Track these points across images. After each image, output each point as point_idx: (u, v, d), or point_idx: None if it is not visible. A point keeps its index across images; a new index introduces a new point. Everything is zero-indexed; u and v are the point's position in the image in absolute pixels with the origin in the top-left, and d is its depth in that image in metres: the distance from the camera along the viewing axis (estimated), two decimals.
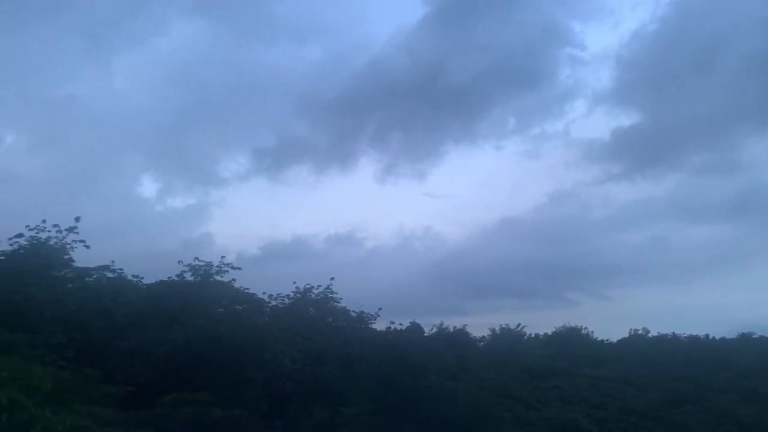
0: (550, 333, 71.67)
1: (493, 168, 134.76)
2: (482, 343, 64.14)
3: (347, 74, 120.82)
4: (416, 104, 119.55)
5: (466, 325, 54.71)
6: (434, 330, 52.97)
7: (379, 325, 42.63)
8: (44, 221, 33.72)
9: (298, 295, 41.76)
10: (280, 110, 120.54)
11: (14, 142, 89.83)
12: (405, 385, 35.44)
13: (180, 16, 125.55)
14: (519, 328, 68.94)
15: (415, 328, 45.15)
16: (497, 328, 68.27)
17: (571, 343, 68.01)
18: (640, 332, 74.96)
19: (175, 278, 36.63)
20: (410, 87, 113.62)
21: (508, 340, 66.36)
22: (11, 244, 33.19)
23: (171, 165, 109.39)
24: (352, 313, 42.47)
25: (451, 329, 53.36)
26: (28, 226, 33.41)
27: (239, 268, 38.85)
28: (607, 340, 74.94)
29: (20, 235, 33.19)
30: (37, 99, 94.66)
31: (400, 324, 42.56)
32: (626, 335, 75.80)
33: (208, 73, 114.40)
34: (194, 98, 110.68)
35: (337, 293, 42.07)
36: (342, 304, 42.46)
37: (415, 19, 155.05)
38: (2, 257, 33.31)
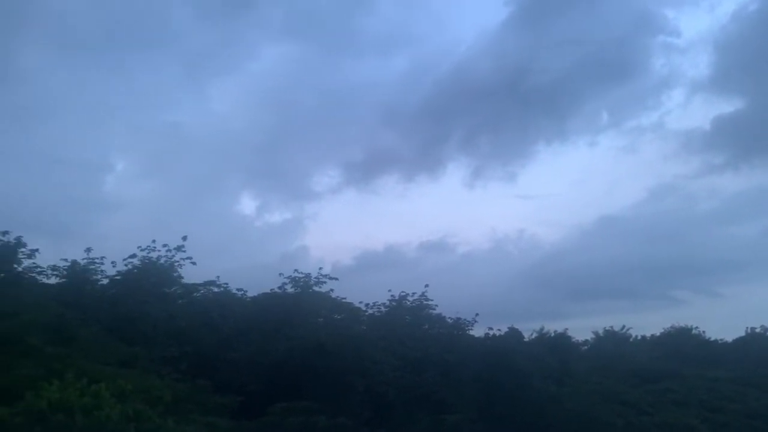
0: (657, 334, 68.33)
1: (588, 165, 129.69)
2: (585, 347, 61.98)
3: (432, 82, 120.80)
4: (504, 106, 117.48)
5: (567, 329, 52.86)
6: (534, 335, 51.73)
7: (477, 332, 42.24)
8: (154, 241, 35.94)
9: (393, 303, 42.06)
10: (368, 123, 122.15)
11: (125, 169, 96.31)
12: (507, 391, 34.86)
13: (270, 41, 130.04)
14: (624, 330, 66.25)
15: (514, 333, 44.32)
16: (601, 331, 65.88)
17: (681, 343, 64.53)
18: (758, 330, 69.90)
19: (277, 290, 37.90)
20: (497, 89, 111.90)
21: (612, 343, 63.88)
22: (126, 264, 35.52)
23: (268, 182, 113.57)
24: (449, 320, 42.29)
25: (552, 334, 51.86)
26: (140, 246, 35.69)
27: (336, 279, 39.78)
28: (721, 339, 70.38)
29: (134, 256, 35.45)
30: (144, 128, 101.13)
31: (499, 330, 41.98)
32: (742, 334, 70.84)
33: (298, 92, 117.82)
34: (287, 117, 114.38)
35: (432, 300, 42.11)
36: (437, 310, 42.46)
37: (498, 20, 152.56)
38: (119, 277, 35.68)
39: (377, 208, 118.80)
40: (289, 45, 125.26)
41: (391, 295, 42.05)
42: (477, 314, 42.04)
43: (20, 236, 37.17)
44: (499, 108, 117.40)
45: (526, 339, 48.08)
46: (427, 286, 42.06)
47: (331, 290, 39.09)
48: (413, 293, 41.92)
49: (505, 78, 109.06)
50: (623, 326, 65.96)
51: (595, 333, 65.57)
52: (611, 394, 41.30)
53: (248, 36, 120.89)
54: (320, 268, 39.43)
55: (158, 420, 16.84)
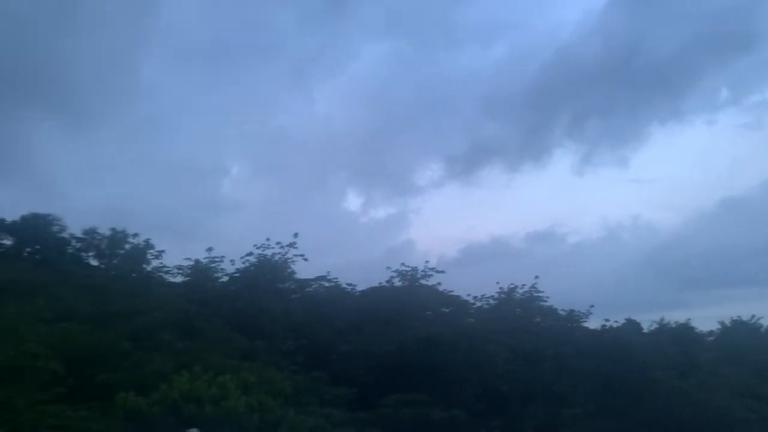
0: None
1: (707, 145, 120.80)
2: (711, 338, 58.13)
3: (535, 67, 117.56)
4: (613, 88, 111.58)
5: (689, 319, 49.73)
6: (654, 326, 49.10)
7: (592, 323, 40.68)
8: (268, 240, 37.37)
9: (502, 296, 41.33)
10: (469, 114, 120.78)
11: (239, 172, 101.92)
12: (627, 384, 33.37)
13: (371, 40, 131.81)
14: (754, 320, 61.32)
15: (632, 324, 42.35)
16: (728, 321, 61.36)
17: None
18: None
19: (385, 284, 38.37)
20: (605, 71, 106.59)
21: (741, 333, 59.29)
22: (243, 262, 37.28)
23: (372, 179, 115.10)
24: (561, 312, 41.02)
25: (673, 324, 48.99)
26: (255, 245, 37.29)
27: (443, 272, 39.69)
28: None
29: (250, 254, 37.08)
30: (255, 133, 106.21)
31: (615, 321, 40.21)
32: None
33: (398, 88, 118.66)
34: (388, 114, 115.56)
35: (542, 292, 40.95)
36: (548, 302, 41.27)
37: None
38: (237, 274, 37.51)
39: (481, 199, 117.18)
40: (388, 43, 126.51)
41: (500, 288, 41.37)
42: (592, 306, 40.51)
43: (148, 238, 40.34)
44: (607, 90, 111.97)
45: (646, 330, 45.76)
46: (537, 277, 41.02)
47: (439, 283, 39.08)
48: (522, 285, 41.01)
49: (613, 58, 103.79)
50: (753, 316, 60.99)
51: (722, 323, 61.02)
52: (743, 387, 38.42)
53: (349, 37, 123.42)
54: (426, 262, 39.52)
55: (280, 411, 17.54)
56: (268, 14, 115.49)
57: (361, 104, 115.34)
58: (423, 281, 38.65)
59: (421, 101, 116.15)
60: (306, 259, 37.51)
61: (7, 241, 39.53)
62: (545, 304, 41.12)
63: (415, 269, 38.66)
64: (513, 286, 41.23)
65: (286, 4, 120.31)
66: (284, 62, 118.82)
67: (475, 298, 41.42)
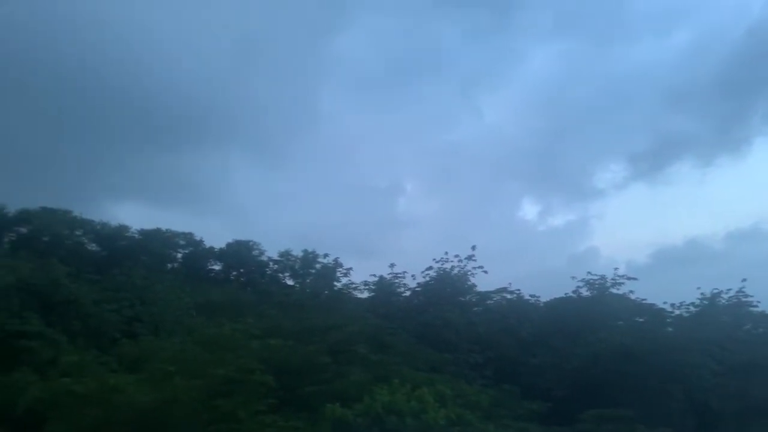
0: None
1: None
2: None
3: (723, 52, 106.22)
4: None
5: None
6: None
7: None
8: (446, 253, 38.04)
9: (704, 302, 37.85)
10: (651, 109, 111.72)
11: (414, 190, 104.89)
12: None
13: (539, 44, 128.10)
14: None
15: None
16: None
17: None
18: None
19: (571, 294, 37.02)
20: None
21: None
22: (424, 276, 38.23)
23: (547, 186, 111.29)
24: None
25: None
26: (434, 259, 38.12)
27: (635, 279, 37.40)
28: None
29: (430, 268, 37.98)
30: (427, 150, 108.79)
31: None
32: None
33: (570, 89, 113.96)
34: (560, 117, 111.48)
35: (751, 296, 36.88)
36: (759, 308, 37.03)
37: None
38: (419, 288, 38.53)
39: (671, 198, 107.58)
40: (558, 44, 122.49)
41: (701, 294, 37.92)
42: None
43: (337, 257, 42.98)
44: None
45: None
46: (744, 280, 37.03)
47: (630, 291, 36.87)
48: (727, 290, 37.26)
49: None
50: None
51: None
52: None
53: (516, 44, 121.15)
54: (615, 269, 37.51)
55: (479, 425, 17.53)
56: (434, 34, 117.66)
57: (532, 110, 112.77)
58: (613, 290, 36.74)
59: (597, 100, 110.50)
60: (485, 272, 37.60)
61: (217, 267, 44.40)
62: (756, 309, 37.02)
63: (603, 277, 36.87)
64: (716, 291, 37.68)
65: (452, 21, 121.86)
66: (452, 78, 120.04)
67: (672, 305, 38.40)
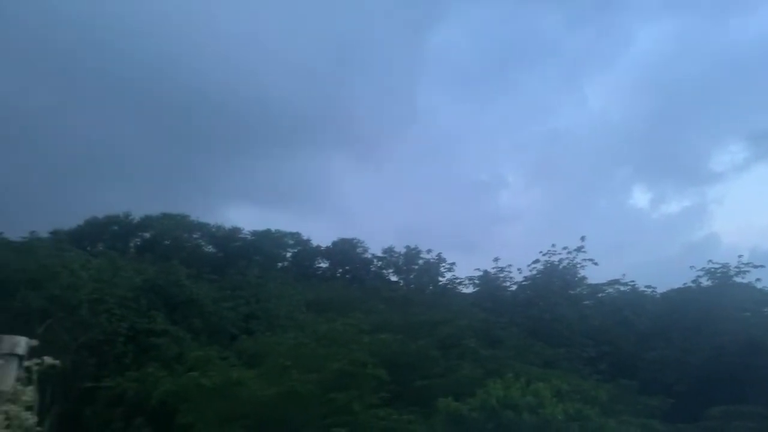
0: None
1: None
2: None
3: None
4: None
5: None
6: None
7: None
8: (554, 245, 37.01)
9: None
10: None
11: (515, 181, 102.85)
12: None
13: (646, 23, 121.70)
14: None
15: None
16: None
17: None
18: None
19: (690, 284, 34.92)
20: None
21: None
22: (530, 270, 37.42)
23: (659, 171, 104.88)
24: None
25: None
26: (541, 251, 37.19)
27: (761, 266, 34.64)
28: None
29: (536, 261, 37.12)
30: (528, 140, 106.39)
31: None
32: None
33: (681, 68, 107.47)
34: (670, 98, 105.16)
35: None
36: None
37: None
38: (526, 282, 37.76)
39: None
40: (667, 21, 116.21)
41: None
42: None
43: (440, 253, 42.98)
44: None
45: None
46: None
47: (757, 279, 34.17)
48: None
49: None
50: None
51: None
52: None
53: (622, 26, 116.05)
54: (740, 256, 34.89)
55: (599, 420, 16.92)
56: (534, 20, 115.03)
57: (641, 93, 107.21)
58: (737, 279, 34.27)
59: (712, 78, 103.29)
60: (596, 263, 36.28)
61: (324, 264, 45.79)
62: None
63: (725, 266, 34.45)
64: None
65: (553, 6, 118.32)
66: (554, 65, 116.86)
67: None
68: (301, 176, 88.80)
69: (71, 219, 41.61)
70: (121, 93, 78.48)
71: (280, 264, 43.94)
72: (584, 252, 35.94)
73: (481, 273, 38.53)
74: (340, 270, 44.62)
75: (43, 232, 34.31)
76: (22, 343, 2.67)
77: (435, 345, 25.47)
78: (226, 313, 30.16)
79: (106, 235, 41.72)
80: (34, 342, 2.73)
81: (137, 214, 42.40)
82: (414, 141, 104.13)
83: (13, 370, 2.63)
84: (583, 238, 35.84)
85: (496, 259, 38.29)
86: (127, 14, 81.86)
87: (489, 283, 38.19)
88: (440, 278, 41.92)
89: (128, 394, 23.55)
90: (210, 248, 42.95)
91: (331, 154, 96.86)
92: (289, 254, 44.93)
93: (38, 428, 2.65)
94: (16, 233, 30.32)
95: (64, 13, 78.09)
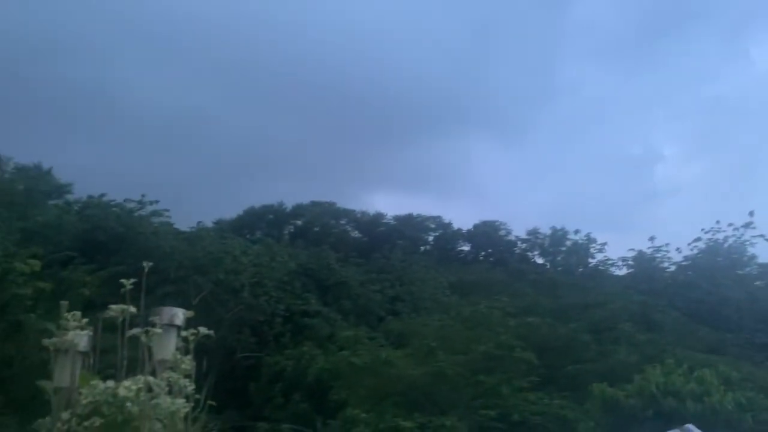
0: None
1: None
2: None
3: None
4: None
5: None
6: None
7: None
8: (718, 222, 34.01)
9: None
10: None
11: (673, 154, 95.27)
12: None
13: None
14: None
15: None
16: None
17: None
18: None
19: None
20: None
21: None
22: (691, 249, 34.67)
23: None
24: None
25: None
26: (703, 229, 34.32)
27: None
28: None
29: (698, 239, 34.36)
30: (685, 110, 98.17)
31: None
32: None
33: None
34: None
35: None
36: None
37: None
38: (685, 262, 35.06)
39: None
40: None
41: None
42: None
43: (589, 233, 41.02)
44: None
45: None
46: None
47: None
48: None
49: None
50: None
51: None
52: None
53: None
54: None
55: None
56: None
57: None
58: None
59: None
60: None
61: (465, 248, 45.59)
62: None
63: None
64: None
65: None
66: (711, 26, 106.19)
67: None
68: (442, 159, 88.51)
69: (233, 209, 45.03)
70: (275, 91, 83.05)
71: (422, 247, 44.40)
72: (753, 228, 32.72)
73: (635, 253, 36.40)
74: (483, 253, 44.11)
75: (208, 222, 37.29)
76: (179, 314, 2.88)
77: (586, 329, 24.44)
78: (373, 295, 31.07)
79: (262, 224, 44.48)
80: (190, 313, 2.93)
81: (289, 204, 44.89)
82: (557, 117, 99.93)
83: (172, 340, 2.84)
84: (752, 213, 32.61)
85: (651, 238, 35.95)
86: (270, 13, 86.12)
87: (644, 263, 35.94)
88: (590, 260, 40.04)
89: (287, 371, 25.06)
90: (356, 234, 44.42)
91: (471, 135, 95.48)
92: (431, 238, 45.31)
93: (197, 395, 2.83)
94: (185, 224, 33.19)
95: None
